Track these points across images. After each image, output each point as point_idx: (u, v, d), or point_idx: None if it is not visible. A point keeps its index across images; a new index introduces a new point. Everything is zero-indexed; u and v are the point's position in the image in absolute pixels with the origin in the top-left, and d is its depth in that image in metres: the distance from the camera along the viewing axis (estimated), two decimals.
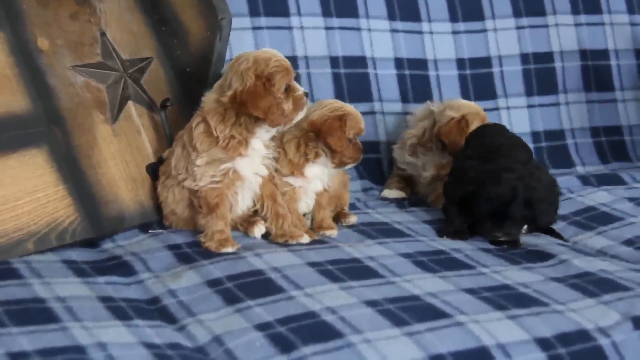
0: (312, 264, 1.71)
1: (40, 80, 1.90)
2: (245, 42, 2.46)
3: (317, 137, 1.95)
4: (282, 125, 1.88)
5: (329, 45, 2.60)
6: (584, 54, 2.96)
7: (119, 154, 1.99)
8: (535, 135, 2.87)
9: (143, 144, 2.07)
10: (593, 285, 1.67)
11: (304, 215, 2.03)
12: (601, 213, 2.25)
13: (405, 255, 1.82)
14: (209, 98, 1.87)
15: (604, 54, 2.98)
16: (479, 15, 2.83)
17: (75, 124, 1.94)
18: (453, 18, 2.80)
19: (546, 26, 2.90)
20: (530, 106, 2.88)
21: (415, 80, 2.72)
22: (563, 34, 2.93)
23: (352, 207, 2.25)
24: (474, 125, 2.27)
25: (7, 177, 1.78)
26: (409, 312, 1.48)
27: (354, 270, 1.70)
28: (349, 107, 2.01)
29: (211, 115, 1.84)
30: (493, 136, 2.18)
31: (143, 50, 2.17)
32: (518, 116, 2.85)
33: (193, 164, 1.85)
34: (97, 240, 1.89)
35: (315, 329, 1.40)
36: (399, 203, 2.36)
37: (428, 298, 1.56)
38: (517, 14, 2.88)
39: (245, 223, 1.94)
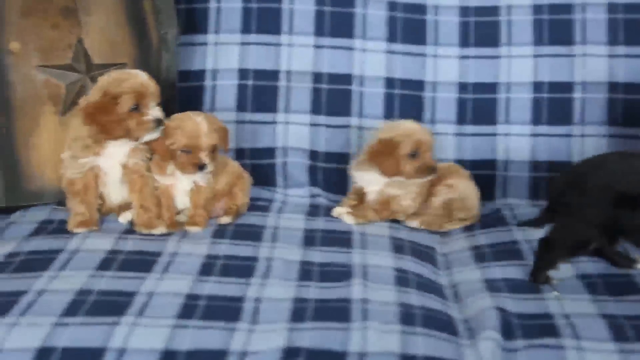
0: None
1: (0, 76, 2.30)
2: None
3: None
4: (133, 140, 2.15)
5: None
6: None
7: (58, 141, 2.31)
8: None
9: None
10: None
11: (181, 211, 2.23)
12: None
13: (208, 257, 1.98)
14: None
15: None
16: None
17: (23, 112, 2.29)
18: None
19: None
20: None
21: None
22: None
23: (257, 208, 2.41)
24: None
25: None
26: None
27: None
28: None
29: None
30: None
31: (120, 57, 2.48)
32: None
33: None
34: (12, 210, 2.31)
35: None
36: (320, 211, 2.44)
37: None
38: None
39: (120, 210, 2.24)
